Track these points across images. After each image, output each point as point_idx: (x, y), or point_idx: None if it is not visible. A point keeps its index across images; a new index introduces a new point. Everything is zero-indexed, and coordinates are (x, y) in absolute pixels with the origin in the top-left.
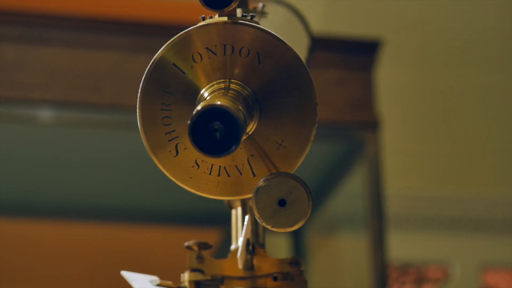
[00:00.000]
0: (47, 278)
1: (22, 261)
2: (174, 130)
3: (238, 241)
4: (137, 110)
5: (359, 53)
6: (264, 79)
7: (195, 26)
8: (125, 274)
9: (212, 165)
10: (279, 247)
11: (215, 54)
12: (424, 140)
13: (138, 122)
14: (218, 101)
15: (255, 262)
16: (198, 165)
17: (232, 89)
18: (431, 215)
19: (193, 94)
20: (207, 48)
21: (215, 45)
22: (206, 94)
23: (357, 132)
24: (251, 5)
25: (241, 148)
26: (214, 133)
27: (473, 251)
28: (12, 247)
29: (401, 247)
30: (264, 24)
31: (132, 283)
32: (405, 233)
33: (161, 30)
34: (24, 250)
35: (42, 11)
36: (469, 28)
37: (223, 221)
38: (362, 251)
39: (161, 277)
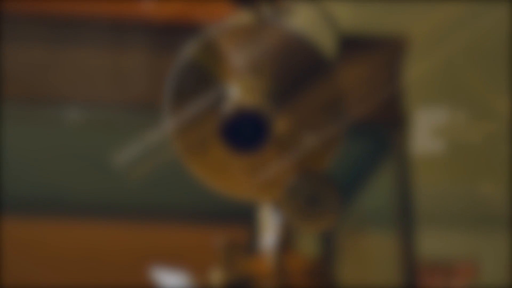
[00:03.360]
0: (76, 276)
1: (58, 262)
2: (205, 130)
3: (268, 240)
4: (168, 111)
5: (387, 51)
6: (293, 78)
7: (222, 24)
8: (155, 272)
9: (243, 164)
10: (308, 245)
11: (242, 52)
12: (453, 136)
13: (169, 122)
14: (248, 99)
15: (285, 260)
16: (229, 165)
17: (261, 87)
18: (461, 211)
19: (222, 92)
20: (234, 47)
21: (242, 44)
22: (234, 92)
23: (386, 129)
24: (277, 3)
25: (270, 146)
26: (244, 131)
27: (504, 247)
28: (52, 247)
29: (431, 243)
30: (291, 22)
31: (162, 282)
32: (435, 230)
33: (188, 29)
34: (61, 249)
35: (74, 11)
36: (501, 26)
37: (252, 220)
38: (392, 248)
39: (190, 275)
